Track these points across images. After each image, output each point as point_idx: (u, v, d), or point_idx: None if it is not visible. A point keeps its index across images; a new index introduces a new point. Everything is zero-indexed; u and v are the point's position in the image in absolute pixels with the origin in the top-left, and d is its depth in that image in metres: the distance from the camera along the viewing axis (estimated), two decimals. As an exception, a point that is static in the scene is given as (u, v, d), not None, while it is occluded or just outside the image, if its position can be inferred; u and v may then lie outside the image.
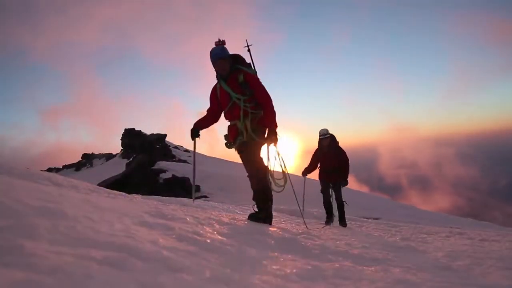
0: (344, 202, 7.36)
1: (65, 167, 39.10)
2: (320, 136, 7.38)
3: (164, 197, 6.41)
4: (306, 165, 7.64)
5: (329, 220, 7.27)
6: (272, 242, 2.93)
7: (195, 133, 4.53)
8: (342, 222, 7.29)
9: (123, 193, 4.95)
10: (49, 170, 34.88)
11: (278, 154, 4.41)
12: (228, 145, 4.43)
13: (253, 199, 4.32)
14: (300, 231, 4.24)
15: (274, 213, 7.53)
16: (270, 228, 3.71)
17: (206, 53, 4.28)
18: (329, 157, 7.27)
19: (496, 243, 5.35)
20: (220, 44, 4.26)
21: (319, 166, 7.48)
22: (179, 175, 20.10)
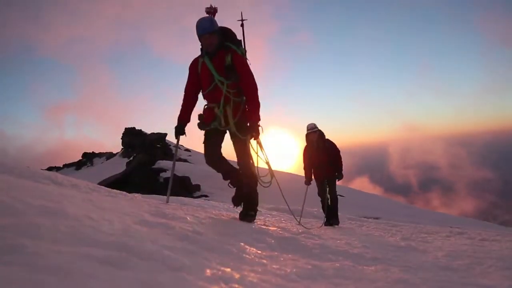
0: (339, 196, 7.03)
1: (66, 166, 39.12)
2: (308, 130, 6.96)
3: (164, 196, 6.41)
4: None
5: (328, 223, 6.88)
6: (272, 241, 2.94)
7: (179, 131, 4.05)
8: (334, 219, 6.95)
9: (124, 192, 4.95)
10: (50, 169, 34.88)
11: (261, 149, 4.06)
12: (201, 126, 3.95)
13: (224, 179, 4.10)
14: (300, 231, 4.24)
15: (274, 213, 7.50)
16: (270, 228, 3.71)
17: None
18: (320, 152, 6.89)
19: (496, 243, 5.35)
20: (211, 12, 3.81)
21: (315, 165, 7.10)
22: (179, 174, 20.08)
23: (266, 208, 9.44)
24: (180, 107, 4.07)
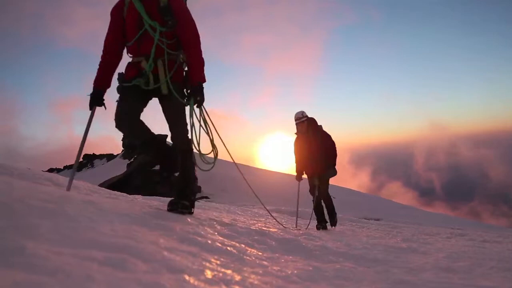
0: (332, 197, 6.35)
1: (66, 167, 39.15)
2: (296, 120, 6.15)
3: (165, 198, 6.41)
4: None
5: (320, 226, 6.21)
6: (273, 243, 2.93)
7: (96, 100, 3.11)
8: (332, 220, 6.32)
9: (124, 194, 4.96)
10: (50, 170, 34.94)
11: (205, 120, 3.23)
12: (121, 86, 3.07)
13: (142, 150, 3.46)
14: (301, 232, 4.24)
15: (275, 214, 7.46)
16: (271, 229, 3.71)
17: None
18: (311, 144, 6.07)
19: (497, 245, 5.34)
20: None
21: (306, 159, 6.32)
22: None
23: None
24: (98, 68, 3.14)
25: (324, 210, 6.37)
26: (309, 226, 5.70)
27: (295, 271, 2.14)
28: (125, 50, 3.19)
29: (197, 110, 3.18)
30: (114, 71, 3.17)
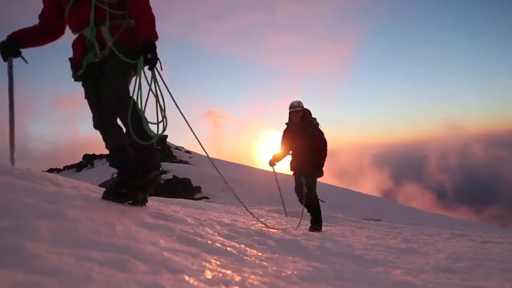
0: (321, 201, 5.64)
1: (66, 167, 39.15)
2: (290, 108, 5.54)
3: (165, 198, 6.41)
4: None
5: (311, 229, 5.47)
6: (273, 243, 2.93)
7: (11, 49, 2.69)
8: (314, 225, 5.52)
9: (124, 194, 4.94)
10: (50, 170, 34.92)
11: (156, 83, 2.73)
12: (74, 75, 2.71)
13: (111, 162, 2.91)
14: (301, 232, 4.23)
15: (275, 215, 7.37)
16: (271, 229, 3.71)
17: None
18: (301, 137, 5.48)
19: (497, 245, 5.33)
20: None
21: (291, 153, 5.70)
22: (180, 176, 20.10)
23: (267, 210, 9.43)
24: None
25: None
26: (299, 226, 5.32)
27: (295, 272, 2.14)
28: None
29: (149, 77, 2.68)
30: (40, 42, 2.79)
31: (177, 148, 32.97)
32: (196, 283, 1.43)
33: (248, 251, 2.42)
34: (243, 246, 2.53)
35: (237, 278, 1.68)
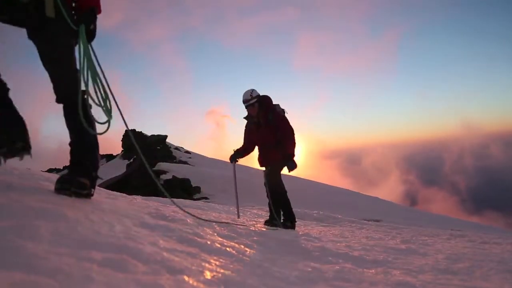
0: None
1: (66, 168, 39.12)
2: (244, 103, 5.03)
3: (164, 198, 6.41)
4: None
5: (268, 222, 5.15)
6: (272, 244, 2.93)
7: None
8: (285, 221, 5.03)
9: (124, 194, 4.95)
10: (50, 170, 34.89)
11: (92, 51, 2.28)
12: None
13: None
14: (300, 233, 4.23)
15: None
16: (270, 230, 3.71)
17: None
18: (263, 129, 5.01)
19: (497, 246, 5.33)
20: None
21: (257, 148, 5.28)
22: (179, 176, 20.10)
23: (267, 210, 9.42)
24: None
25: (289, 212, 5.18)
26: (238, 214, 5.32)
27: (294, 273, 2.14)
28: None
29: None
30: None
31: (176, 148, 32.98)
32: (195, 283, 1.43)
33: (248, 252, 2.42)
34: (242, 246, 2.53)
35: (237, 279, 1.69)
